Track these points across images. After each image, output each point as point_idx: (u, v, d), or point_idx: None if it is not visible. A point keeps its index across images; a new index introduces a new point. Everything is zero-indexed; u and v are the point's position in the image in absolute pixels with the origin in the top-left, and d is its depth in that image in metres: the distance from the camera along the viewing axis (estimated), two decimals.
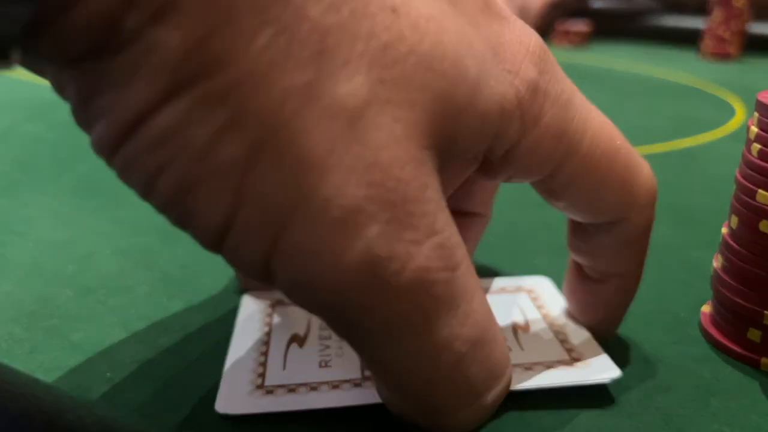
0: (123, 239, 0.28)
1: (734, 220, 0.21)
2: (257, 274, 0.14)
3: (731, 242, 0.21)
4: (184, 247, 0.27)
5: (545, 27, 0.85)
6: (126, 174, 0.13)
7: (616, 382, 0.20)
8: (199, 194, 0.13)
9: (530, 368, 0.19)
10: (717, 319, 0.22)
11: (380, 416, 0.18)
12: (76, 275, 0.25)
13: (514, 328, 0.21)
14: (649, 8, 0.92)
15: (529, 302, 0.23)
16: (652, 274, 0.26)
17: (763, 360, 0.21)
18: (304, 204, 0.13)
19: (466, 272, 0.15)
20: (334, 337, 0.21)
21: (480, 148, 0.16)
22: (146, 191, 0.13)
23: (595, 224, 0.19)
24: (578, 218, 0.19)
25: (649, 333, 0.23)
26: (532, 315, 0.22)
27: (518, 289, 0.24)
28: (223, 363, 0.20)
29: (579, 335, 0.21)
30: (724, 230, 0.22)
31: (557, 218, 0.25)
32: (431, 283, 0.14)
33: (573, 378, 0.19)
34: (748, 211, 0.20)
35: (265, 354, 0.20)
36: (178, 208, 0.13)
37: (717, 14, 0.79)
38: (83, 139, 0.14)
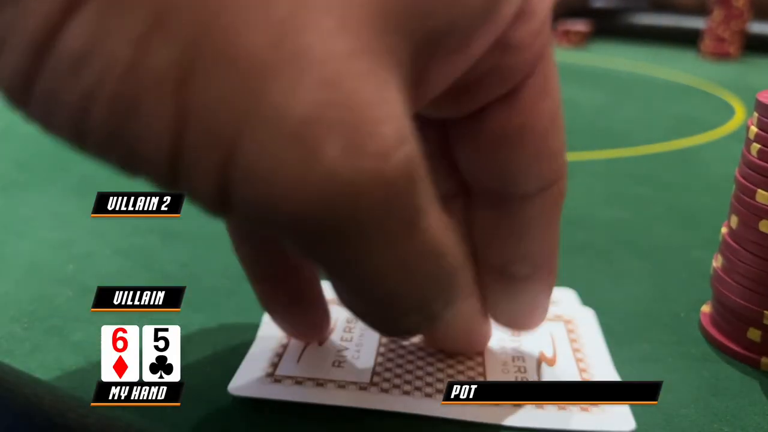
0: (123, 239, 0.28)
1: (734, 219, 0.21)
2: (214, 202, 0.12)
3: (731, 242, 0.21)
4: (184, 247, 0.27)
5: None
6: (50, 118, 0.11)
7: None
8: (139, 117, 0.11)
9: (541, 407, 0.18)
10: (717, 318, 0.22)
11: (382, 420, 0.18)
12: (75, 275, 0.25)
13: (540, 360, 0.20)
14: (645, 6, 0.92)
15: (564, 333, 0.22)
16: (652, 273, 0.27)
17: (763, 360, 0.21)
18: (254, 113, 0.11)
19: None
20: (355, 339, 0.21)
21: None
22: (79, 132, 0.11)
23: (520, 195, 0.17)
24: (499, 183, 0.17)
25: (649, 333, 0.23)
26: (563, 348, 0.21)
27: (556, 318, 0.23)
28: (222, 363, 0.20)
29: (606, 375, 0.20)
30: (724, 230, 0.22)
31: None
32: (406, 194, 0.12)
33: (583, 425, 0.18)
34: (747, 211, 0.20)
35: (285, 347, 0.20)
36: (120, 143, 0.11)
37: (717, 14, 0.79)
38: None
